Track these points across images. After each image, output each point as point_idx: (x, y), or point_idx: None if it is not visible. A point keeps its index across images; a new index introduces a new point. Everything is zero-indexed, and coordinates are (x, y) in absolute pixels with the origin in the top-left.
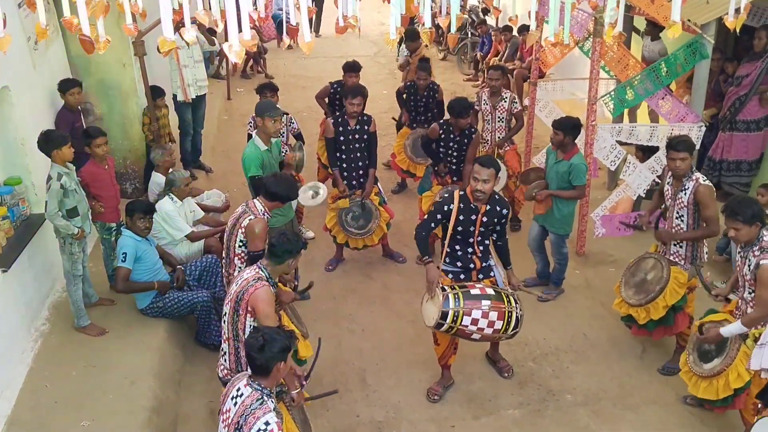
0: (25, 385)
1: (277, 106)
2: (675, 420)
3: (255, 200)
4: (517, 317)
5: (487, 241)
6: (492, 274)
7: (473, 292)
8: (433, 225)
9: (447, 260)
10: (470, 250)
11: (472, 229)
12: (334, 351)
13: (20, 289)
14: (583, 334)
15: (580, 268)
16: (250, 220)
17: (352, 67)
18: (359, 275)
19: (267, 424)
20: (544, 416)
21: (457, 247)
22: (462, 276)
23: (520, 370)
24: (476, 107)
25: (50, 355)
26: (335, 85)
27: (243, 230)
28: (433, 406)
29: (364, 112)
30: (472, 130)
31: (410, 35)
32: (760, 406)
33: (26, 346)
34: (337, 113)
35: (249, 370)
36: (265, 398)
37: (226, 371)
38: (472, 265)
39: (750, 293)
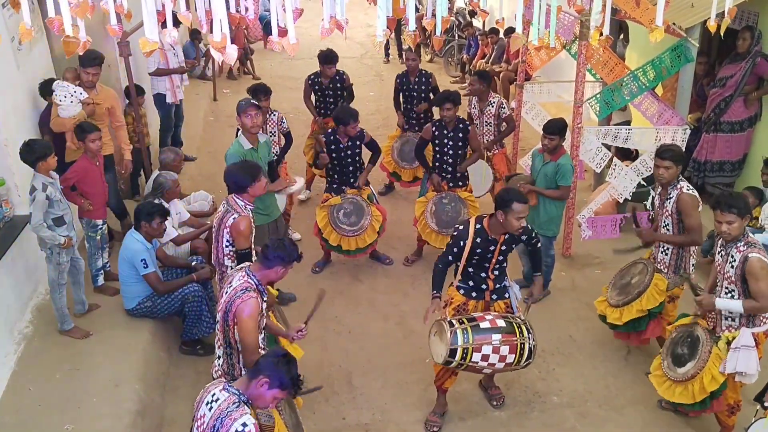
0: (8, 388)
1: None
2: (659, 421)
3: (232, 195)
4: (530, 348)
5: (505, 264)
6: (506, 295)
7: (483, 325)
8: (450, 258)
9: (461, 278)
10: (484, 275)
11: (489, 256)
12: (321, 353)
13: (3, 291)
14: (569, 336)
15: (567, 270)
16: (234, 219)
17: (329, 59)
18: (346, 277)
19: (244, 425)
20: (530, 418)
21: (471, 270)
22: (474, 294)
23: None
24: (468, 110)
25: (34, 358)
26: (312, 77)
27: (228, 230)
28: (420, 408)
29: None
30: (466, 122)
31: (86, 61)
32: (758, 408)
33: (9, 348)
34: (329, 131)
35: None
36: (242, 402)
37: (221, 373)
38: (484, 286)
39: (726, 293)
